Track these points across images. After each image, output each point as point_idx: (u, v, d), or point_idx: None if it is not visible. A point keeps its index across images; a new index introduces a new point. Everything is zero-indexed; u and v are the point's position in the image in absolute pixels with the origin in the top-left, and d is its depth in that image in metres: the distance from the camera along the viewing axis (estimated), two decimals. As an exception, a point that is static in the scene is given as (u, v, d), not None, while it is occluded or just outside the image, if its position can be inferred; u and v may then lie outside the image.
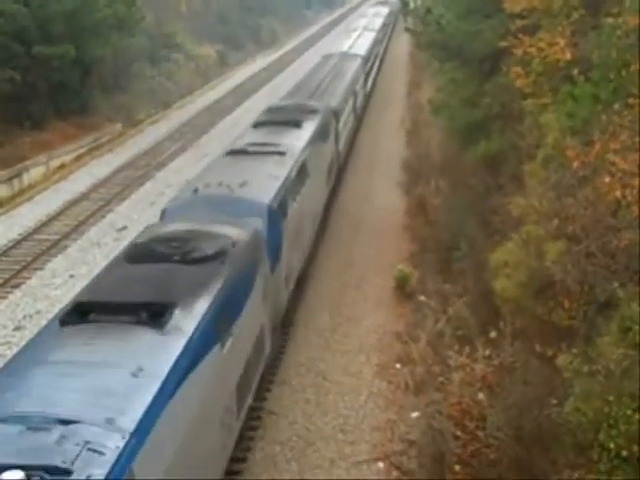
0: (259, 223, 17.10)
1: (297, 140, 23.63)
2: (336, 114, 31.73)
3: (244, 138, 24.19)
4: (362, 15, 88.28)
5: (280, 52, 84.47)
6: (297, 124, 25.03)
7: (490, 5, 22.76)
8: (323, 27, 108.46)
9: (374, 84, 58.19)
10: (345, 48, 53.24)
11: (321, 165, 26.39)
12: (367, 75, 50.94)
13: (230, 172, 19.86)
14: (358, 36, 61.56)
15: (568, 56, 17.20)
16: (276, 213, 18.21)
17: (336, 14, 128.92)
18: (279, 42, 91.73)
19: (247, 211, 17.27)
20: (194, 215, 16.83)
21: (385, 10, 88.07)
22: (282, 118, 26.08)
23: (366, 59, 50.40)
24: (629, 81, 12.58)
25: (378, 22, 73.98)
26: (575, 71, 14.55)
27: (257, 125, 25.90)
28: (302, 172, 22.18)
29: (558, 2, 18.86)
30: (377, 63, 62.77)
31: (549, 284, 14.46)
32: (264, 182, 19.18)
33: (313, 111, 27.96)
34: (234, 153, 21.91)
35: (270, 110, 29.22)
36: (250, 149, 21.87)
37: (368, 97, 51.98)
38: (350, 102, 38.44)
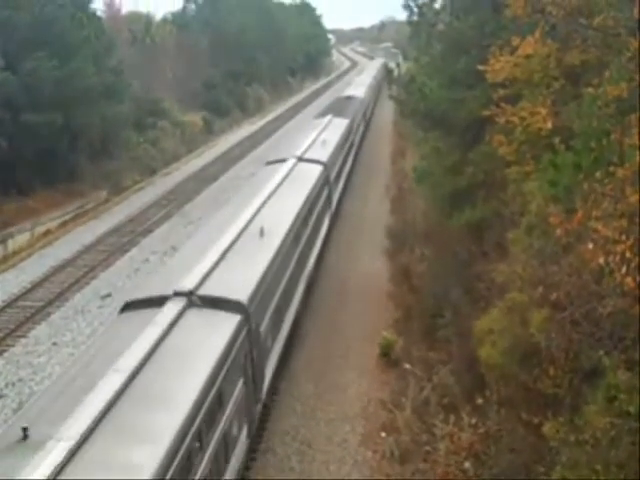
0: None
1: None
2: None
3: None
4: (283, 159, 34.21)
5: (265, 119, 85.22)
6: None
7: (472, 75, 23.06)
8: (306, 96, 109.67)
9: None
10: None
11: None
12: None
13: None
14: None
15: (549, 125, 17.42)
16: None
17: (319, 83, 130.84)
18: (264, 109, 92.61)
19: None
20: None
21: (339, 129, 45.97)
22: None
23: None
24: (610, 150, 12.73)
25: (306, 188, 29.35)
26: (557, 140, 14.73)
27: None
28: None
29: (539, 72, 19.16)
30: None
31: (534, 351, 14.43)
32: None
33: None
34: None
35: None
36: None
37: None
38: None
